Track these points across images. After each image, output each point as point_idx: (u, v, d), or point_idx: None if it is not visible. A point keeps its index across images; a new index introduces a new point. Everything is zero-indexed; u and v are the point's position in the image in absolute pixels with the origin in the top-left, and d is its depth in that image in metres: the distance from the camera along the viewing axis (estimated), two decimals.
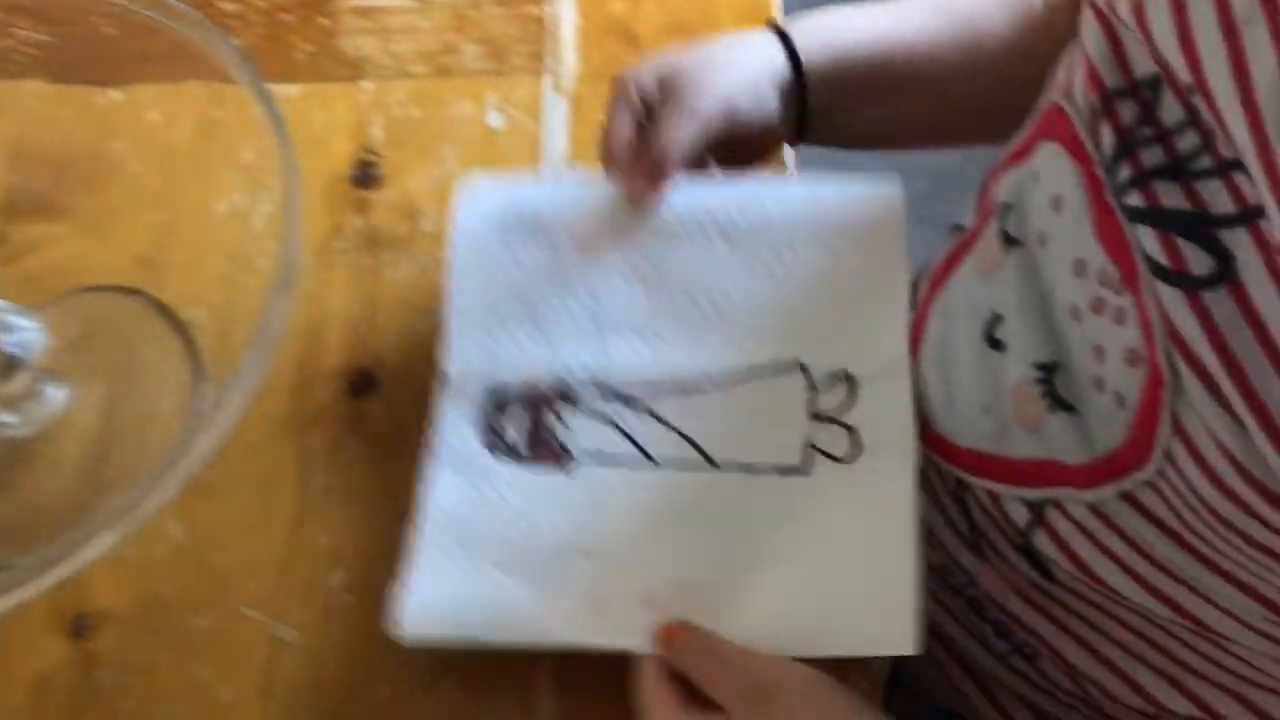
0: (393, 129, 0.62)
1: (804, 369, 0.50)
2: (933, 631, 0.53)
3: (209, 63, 0.57)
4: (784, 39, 0.52)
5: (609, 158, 0.52)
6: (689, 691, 0.42)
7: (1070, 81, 0.41)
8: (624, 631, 0.44)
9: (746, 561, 0.46)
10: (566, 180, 0.54)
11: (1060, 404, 0.41)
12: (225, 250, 0.58)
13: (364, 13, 0.66)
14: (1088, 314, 0.39)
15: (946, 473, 0.47)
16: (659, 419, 0.50)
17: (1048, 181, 0.42)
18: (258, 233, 0.59)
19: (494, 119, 0.62)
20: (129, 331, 0.56)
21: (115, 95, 0.63)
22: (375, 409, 0.55)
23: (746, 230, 0.51)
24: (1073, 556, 0.42)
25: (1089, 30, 0.38)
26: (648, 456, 0.49)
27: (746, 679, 0.41)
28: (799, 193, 0.52)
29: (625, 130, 0.51)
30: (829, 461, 0.48)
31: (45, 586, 0.41)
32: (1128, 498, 0.39)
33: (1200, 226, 0.35)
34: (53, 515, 0.51)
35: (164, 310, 0.56)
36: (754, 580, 0.45)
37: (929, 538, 0.49)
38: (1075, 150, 0.40)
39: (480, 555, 0.47)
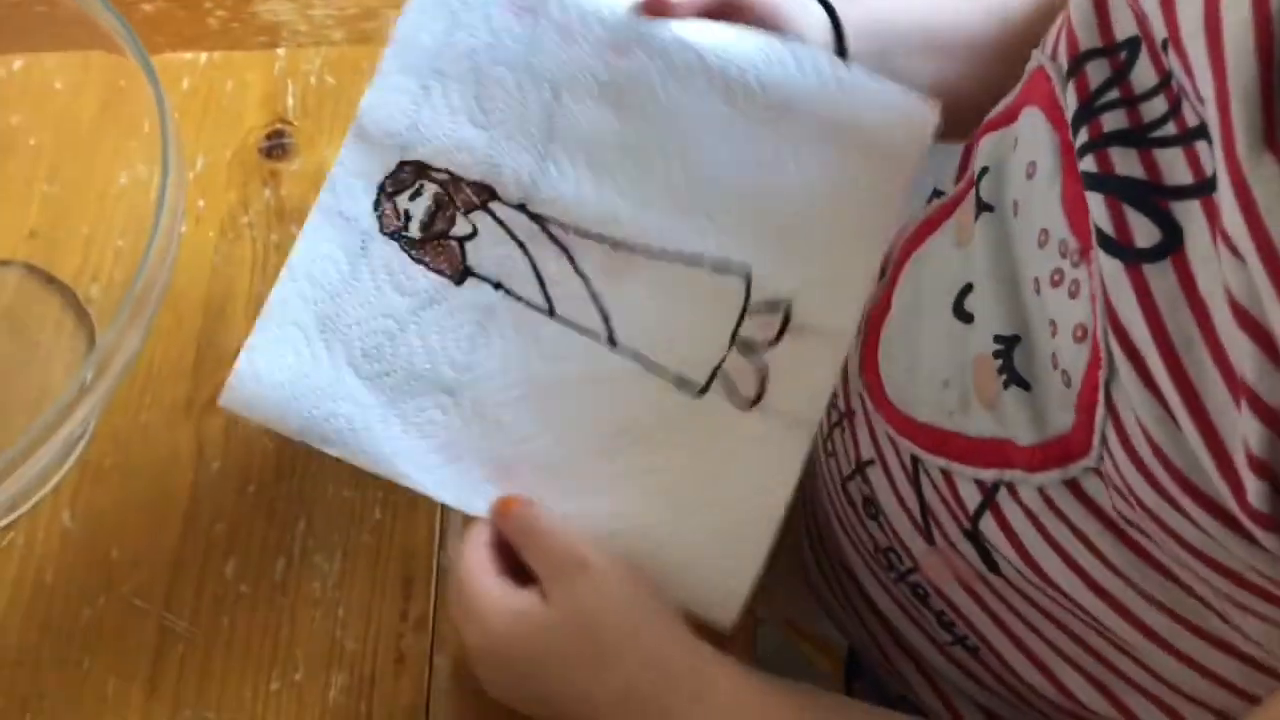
0: (307, 98, 0.60)
1: (748, 282, 0.44)
2: (877, 615, 0.52)
3: (106, 33, 0.55)
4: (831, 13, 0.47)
5: None
6: (511, 565, 0.42)
7: (1056, 42, 0.39)
8: (467, 494, 0.42)
9: (608, 459, 0.43)
10: None
11: (1016, 380, 0.38)
12: (125, 224, 0.56)
13: None
14: (1047, 287, 0.37)
15: (903, 448, 0.45)
16: (576, 268, 0.44)
17: (1025, 147, 0.40)
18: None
19: None
20: (17, 308, 0.53)
21: (18, 65, 0.60)
22: None
23: (756, 102, 0.43)
24: (1019, 546, 0.40)
25: None
26: (549, 303, 0.44)
27: (564, 549, 0.41)
28: (831, 84, 0.43)
29: None
30: (726, 400, 0.44)
31: None
32: (1072, 485, 0.37)
33: (1151, 196, 0.32)
34: None
35: (55, 284, 0.54)
36: (607, 483, 0.43)
37: (878, 518, 0.47)
38: (1052, 114, 0.38)
39: (334, 342, 0.43)
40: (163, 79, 0.60)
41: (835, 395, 0.51)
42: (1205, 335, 0.31)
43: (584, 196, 0.44)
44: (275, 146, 0.58)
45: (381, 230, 0.44)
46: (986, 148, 0.44)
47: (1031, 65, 0.42)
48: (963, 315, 0.42)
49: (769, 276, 0.44)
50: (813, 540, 0.57)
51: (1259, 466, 0.29)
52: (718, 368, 0.44)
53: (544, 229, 0.44)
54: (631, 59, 0.43)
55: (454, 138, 0.44)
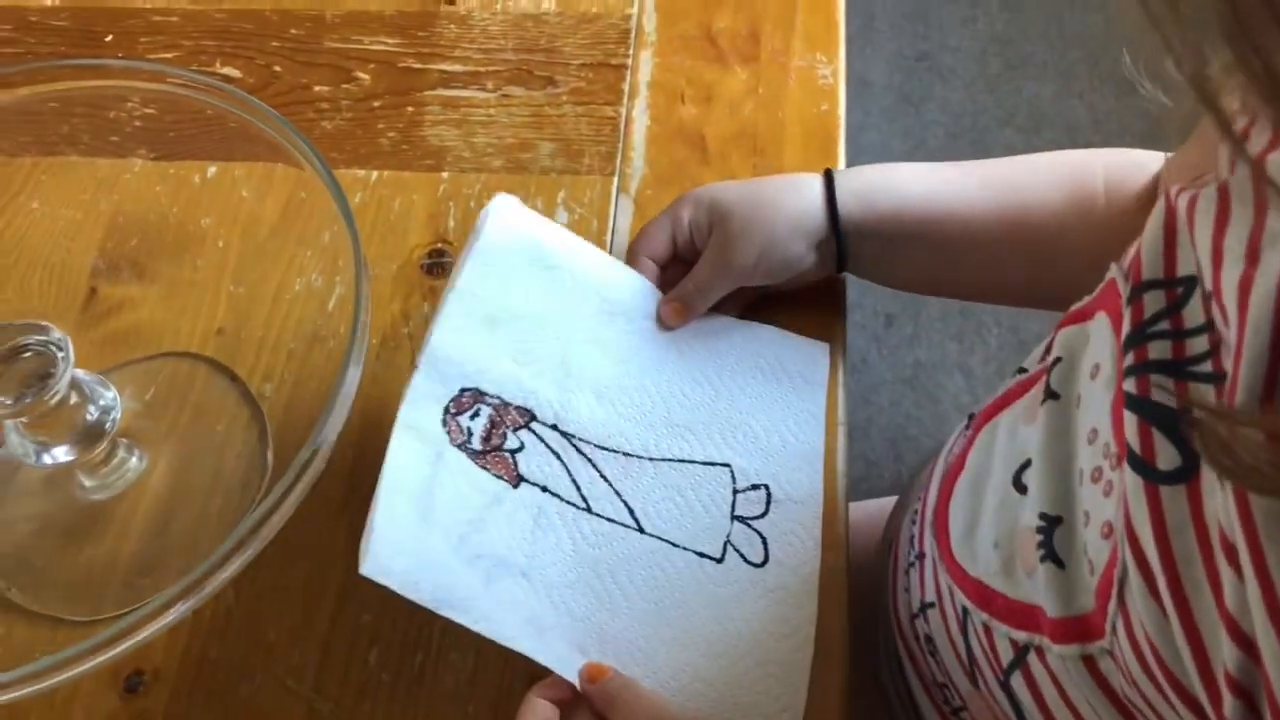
0: (466, 220, 0.65)
1: (732, 473, 0.56)
2: None
3: (289, 151, 0.61)
4: (829, 186, 0.56)
5: (634, 252, 0.58)
6: None
7: (1130, 261, 0.43)
8: (558, 660, 0.48)
9: (656, 625, 0.51)
10: (585, 245, 0.58)
11: (1053, 557, 0.42)
12: (298, 328, 0.61)
13: (449, 104, 0.69)
14: (1088, 480, 0.40)
15: (957, 597, 0.49)
16: (600, 473, 0.54)
17: (1094, 348, 0.43)
18: (330, 313, 0.62)
19: (562, 216, 0.65)
20: (202, 400, 0.59)
21: (211, 171, 0.67)
22: None
23: (699, 349, 0.58)
24: (1041, 705, 0.44)
25: (1154, 218, 0.40)
26: (585, 501, 0.53)
27: (647, 713, 0.46)
28: (749, 332, 0.59)
29: (659, 239, 0.58)
30: (743, 561, 0.53)
31: (110, 658, 0.44)
32: (1089, 661, 0.40)
33: (1178, 424, 0.36)
34: (120, 575, 0.54)
35: (236, 381, 0.59)
36: (661, 646, 0.51)
37: (936, 655, 0.51)
38: (1117, 326, 0.41)
39: (432, 527, 0.49)
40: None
41: (914, 537, 0.55)
42: (1205, 559, 0.33)
43: (597, 419, 0.55)
44: (435, 264, 0.64)
45: (451, 442, 0.52)
46: (1064, 339, 0.47)
47: (1110, 274, 0.45)
48: (1020, 487, 0.46)
49: (745, 468, 0.56)
50: (891, 670, 0.61)
51: (1235, 687, 0.32)
52: (728, 540, 0.54)
53: (573, 444, 0.54)
54: (618, 324, 0.57)
55: (501, 372, 0.54)
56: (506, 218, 0.55)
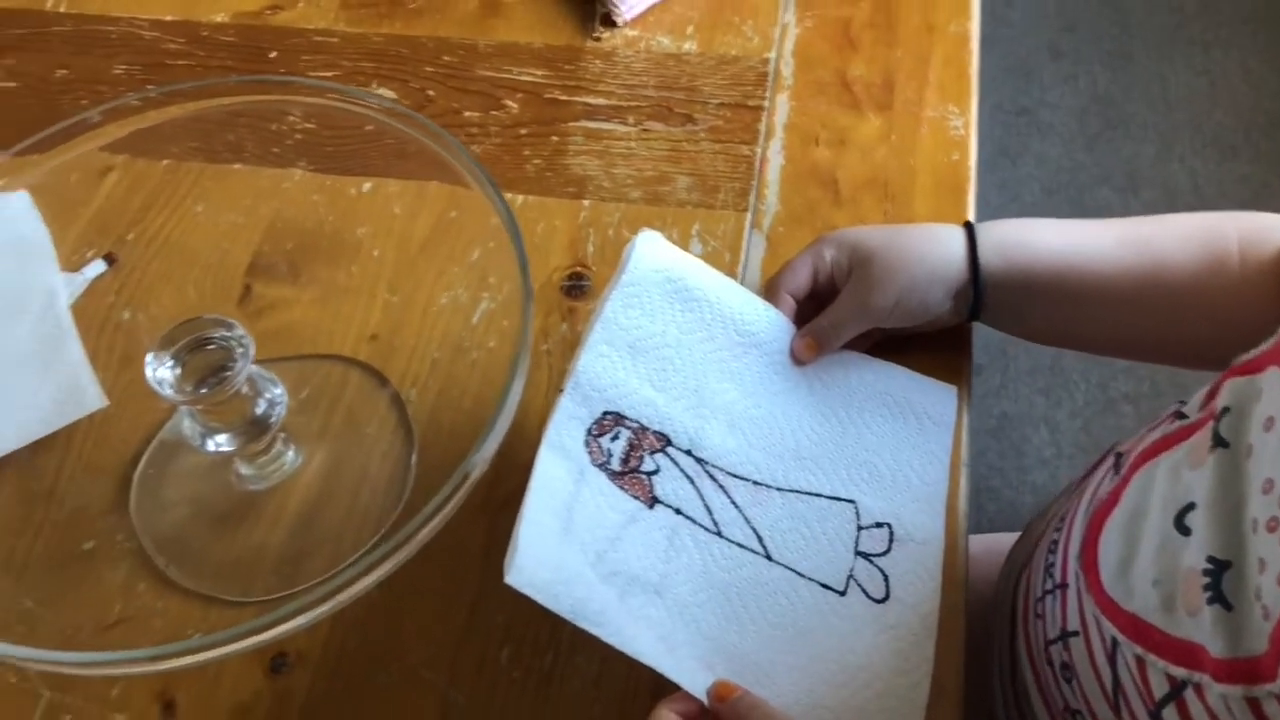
0: (605, 247, 0.68)
1: (856, 510, 0.58)
2: None
3: (450, 168, 0.64)
4: (970, 237, 0.58)
5: (774, 287, 0.60)
6: None
7: None
8: (687, 678, 0.49)
9: (782, 650, 0.53)
10: (724, 278, 0.60)
11: (1220, 600, 0.43)
12: (444, 339, 0.65)
13: (592, 135, 0.73)
14: (1263, 529, 0.41)
15: (1106, 629, 0.50)
16: (731, 499, 0.56)
17: (1267, 401, 0.45)
18: (474, 326, 0.65)
19: (696, 247, 0.67)
20: (354, 402, 0.63)
21: (365, 186, 0.71)
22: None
23: (830, 385, 0.60)
24: None
25: None
26: (716, 525, 0.55)
27: None
28: (878, 370, 0.61)
29: (801, 276, 0.60)
30: (864, 596, 0.55)
31: (263, 640, 0.47)
32: (1253, 703, 0.41)
33: None
34: (270, 562, 0.58)
35: (386, 386, 0.63)
36: (784, 672, 0.52)
37: (1073, 683, 0.52)
38: None
39: (574, 541, 0.51)
40: (482, 210, 0.70)
41: (1052, 566, 0.57)
42: None
43: (729, 447, 0.57)
44: (574, 286, 0.67)
45: (592, 462, 0.54)
46: (1232, 389, 0.49)
47: None
48: (1182, 529, 0.47)
49: (869, 505, 0.58)
50: (1007, 701, 0.62)
51: None
52: (851, 574, 0.56)
53: (706, 470, 0.57)
54: (751, 356, 0.59)
55: (640, 397, 0.56)
56: (651, 251, 0.58)
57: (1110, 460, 0.57)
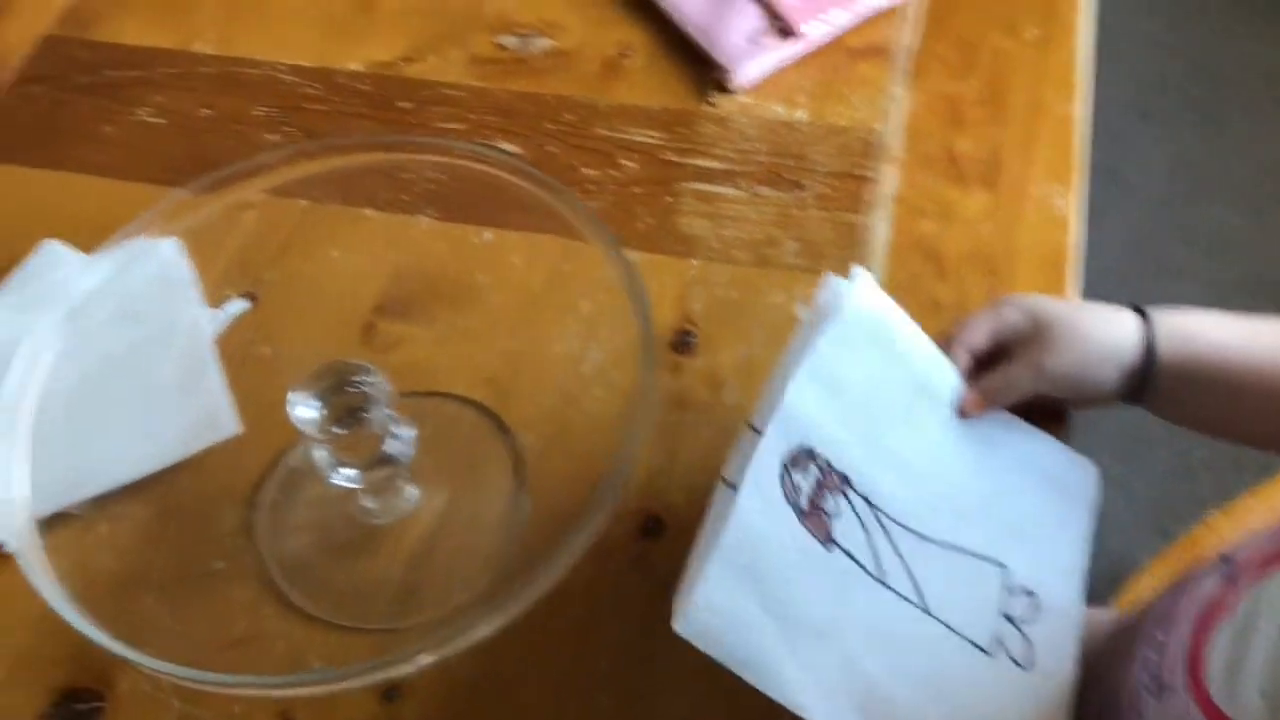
0: (711, 306, 0.71)
1: (1003, 573, 0.59)
2: None
3: (566, 223, 0.68)
4: (1146, 323, 0.60)
5: (952, 338, 0.63)
6: None
7: None
8: None
9: (935, 703, 0.54)
10: (918, 331, 0.62)
11: None
12: (557, 387, 0.68)
13: (703, 197, 0.76)
14: None
15: None
16: (896, 549, 0.58)
17: None
18: (585, 377, 0.68)
19: (801, 312, 0.70)
20: (471, 443, 0.66)
21: (487, 236, 0.74)
22: (659, 551, 0.62)
23: (987, 442, 0.62)
24: None
25: None
26: (883, 574, 0.56)
27: None
28: (1031, 436, 0.63)
29: (980, 333, 0.62)
30: (1009, 660, 0.56)
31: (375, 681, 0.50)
32: None
33: None
34: (388, 593, 0.61)
35: (503, 429, 0.66)
36: None
37: None
38: None
39: (759, 591, 0.51)
40: (594, 265, 0.73)
41: (1154, 663, 0.58)
42: None
43: (898, 496, 0.59)
44: (681, 342, 0.70)
45: (785, 499, 0.55)
46: None
47: None
48: None
49: (1016, 570, 0.59)
50: None
51: None
52: (997, 636, 0.57)
53: (877, 516, 0.58)
54: (924, 406, 0.61)
55: (832, 436, 0.58)
56: (865, 293, 0.60)
57: (1219, 565, 0.58)
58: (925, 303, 0.70)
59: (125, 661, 0.51)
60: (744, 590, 0.51)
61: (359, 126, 0.82)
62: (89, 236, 0.76)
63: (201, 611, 0.62)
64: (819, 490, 0.56)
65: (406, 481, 0.63)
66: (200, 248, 0.70)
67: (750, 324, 0.70)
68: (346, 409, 0.58)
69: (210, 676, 0.49)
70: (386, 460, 0.59)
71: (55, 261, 0.74)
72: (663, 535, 0.63)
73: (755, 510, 0.53)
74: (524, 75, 0.84)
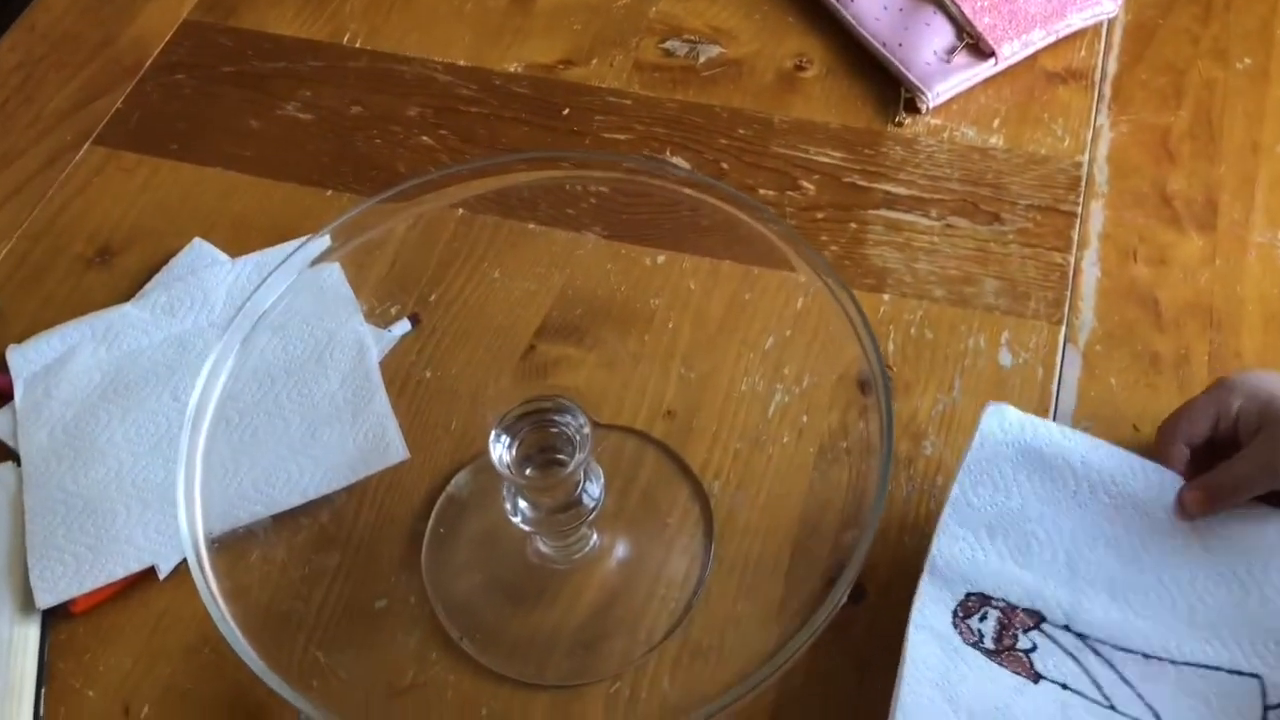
0: (905, 345, 0.66)
1: (1263, 686, 0.51)
2: None
3: (749, 247, 0.63)
4: None
5: (1169, 434, 0.56)
6: None
7: None
8: None
9: None
10: (1085, 437, 0.56)
11: None
12: (744, 429, 0.63)
13: (893, 226, 0.70)
14: None
15: None
16: (1121, 676, 0.52)
17: None
18: (770, 419, 0.63)
19: (1005, 358, 0.65)
20: (652, 485, 0.61)
21: (660, 258, 0.69)
22: (859, 619, 0.57)
23: (1224, 540, 0.54)
24: None
25: None
26: (1109, 700, 0.51)
27: None
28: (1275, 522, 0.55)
29: (1202, 424, 0.55)
30: None
31: None
32: None
33: None
34: (564, 644, 0.57)
35: (686, 472, 0.61)
36: None
37: None
38: None
39: (960, 711, 0.49)
40: (779, 295, 0.68)
41: None
42: None
43: (1112, 619, 0.53)
44: (871, 383, 0.65)
45: (965, 642, 0.52)
46: None
47: None
48: None
49: (1274, 675, 0.52)
50: None
51: None
52: None
53: (1088, 645, 0.53)
54: (1127, 516, 0.55)
55: (1004, 576, 0.54)
56: (996, 424, 0.56)
57: None
58: (1142, 355, 0.64)
59: (294, 706, 0.47)
60: (945, 715, 0.48)
61: (517, 132, 0.77)
62: (236, 236, 0.72)
63: (365, 654, 0.57)
64: (1004, 631, 0.53)
65: (589, 528, 0.58)
66: (355, 259, 0.66)
67: (950, 369, 0.65)
68: (538, 447, 0.53)
69: None
70: (575, 505, 0.55)
71: (203, 262, 0.70)
72: (863, 601, 0.58)
73: (930, 647, 0.51)
74: (693, 85, 0.79)
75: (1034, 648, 0.52)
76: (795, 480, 0.62)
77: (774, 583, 0.59)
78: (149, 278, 0.70)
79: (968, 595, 0.53)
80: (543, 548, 0.58)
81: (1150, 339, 0.65)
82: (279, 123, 0.78)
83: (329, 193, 0.75)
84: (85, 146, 0.78)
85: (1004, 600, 0.53)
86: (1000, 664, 0.51)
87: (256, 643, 0.48)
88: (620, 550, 0.59)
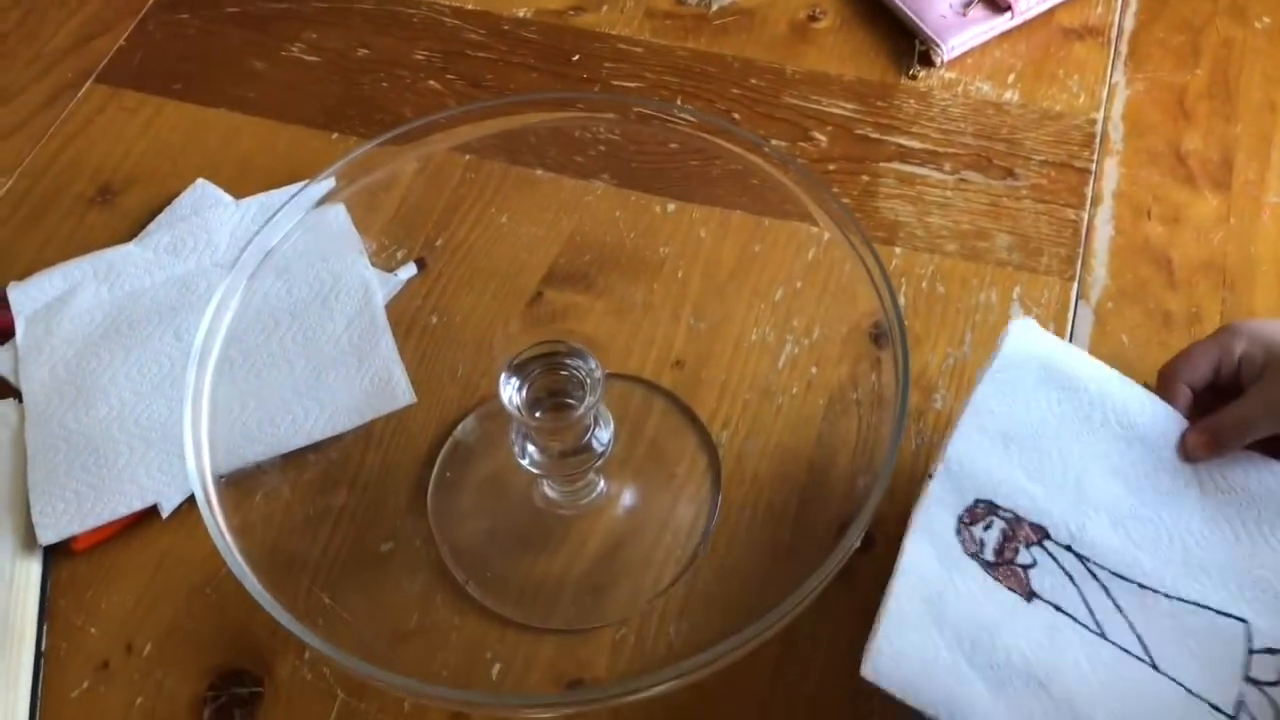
0: (916, 299, 0.65)
1: (1248, 631, 0.52)
2: None
3: (760, 197, 0.62)
4: None
5: (1170, 376, 0.56)
6: None
7: None
8: None
9: None
10: (1103, 366, 0.56)
11: None
12: (753, 379, 0.62)
13: (906, 179, 0.70)
14: None
15: None
16: (1114, 602, 0.52)
17: None
18: (780, 370, 0.63)
19: (1017, 313, 0.64)
20: (660, 434, 0.61)
21: (670, 206, 0.69)
22: (867, 566, 0.57)
23: (1225, 486, 0.55)
24: None
25: None
26: (1099, 626, 0.51)
27: None
28: (1275, 475, 0.55)
29: (1203, 367, 0.55)
30: None
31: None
32: None
33: None
34: (570, 591, 0.56)
35: (694, 421, 0.61)
36: None
37: None
38: None
39: (945, 631, 0.49)
40: (790, 246, 0.67)
41: None
42: None
43: (1113, 546, 0.53)
44: (883, 334, 0.64)
45: (965, 551, 0.52)
46: None
47: None
48: None
49: (1262, 628, 0.52)
50: None
51: None
52: (1240, 699, 0.51)
53: (1087, 567, 0.53)
54: (1135, 450, 0.55)
55: (1014, 487, 0.53)
56: (1024, 337, 0.55)
57: None
58: (1154, 313, 0.64)
59: (300, 642, 0.46)
60: (936, 638, 0.48)
61: (526, 78, 0.76)
62: (240, 178, 0.71)
63: (370, 596, 0.57)
64: (1007, 543, 0.52)
65: (597, 473, 0.58)
66: (361, 202, 0.65)
67: (961, 323, 0.64)
68: (548, 390, 0.53)
69: (434, 690, 0.44)
70: (584, 449, 0.54)
71: (207, 203, 0.69)
72: (871, 549, 0.57)
73: (928, 557, 0.51)
74: (705, 33, 0.77)
75: (1033, 563, 0.52)
76: (804, 431, 0.61)
77: (781, 532, 0.58)
78: (151, 218, 0.69)
79: (976, 501, 0.53)
80: (550, 493, 0.58)
81: (1162, 297, 0.64)
82: (284, 64, 0.77)
83: (334, 136, 0.74)
84: (87, 85, 0.77)
85: (1011, 511, 0.53)
86: (996, 578, 0.51)
87: (262, 580, 0.48)
88: (627, 498, 0.59)
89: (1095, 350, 0.63)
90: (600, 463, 0.55)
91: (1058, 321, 0.64)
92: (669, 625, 0.56)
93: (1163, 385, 0.56)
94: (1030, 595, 0.51)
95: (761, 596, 0.56)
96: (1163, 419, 0.55)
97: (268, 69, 0.77)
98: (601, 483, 0.58)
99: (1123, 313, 0.64)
